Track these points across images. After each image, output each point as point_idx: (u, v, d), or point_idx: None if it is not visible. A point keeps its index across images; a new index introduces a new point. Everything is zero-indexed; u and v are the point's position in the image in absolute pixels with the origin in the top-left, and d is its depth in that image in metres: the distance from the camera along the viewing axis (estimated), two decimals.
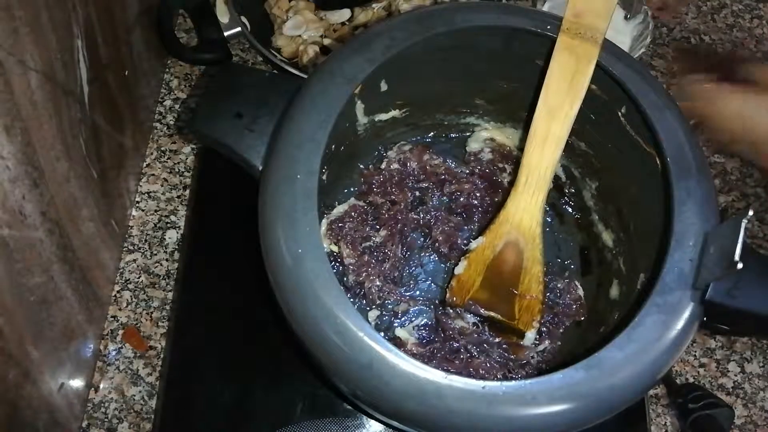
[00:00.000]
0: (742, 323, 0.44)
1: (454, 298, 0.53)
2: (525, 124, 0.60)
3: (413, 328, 0.55)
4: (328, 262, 0.41)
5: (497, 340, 0.53)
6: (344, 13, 0.73)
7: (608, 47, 0.50)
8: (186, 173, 0.66)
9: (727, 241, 0.40)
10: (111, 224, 0.59)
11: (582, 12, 0.48)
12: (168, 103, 0.70)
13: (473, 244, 0.54)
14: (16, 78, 0.40)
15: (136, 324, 0.60)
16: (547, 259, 0.58)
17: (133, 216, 0.64)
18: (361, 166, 0.60)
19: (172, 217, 0.64)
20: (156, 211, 0.64)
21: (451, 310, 0.54)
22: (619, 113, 0.50)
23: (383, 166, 0.60)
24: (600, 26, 0.48)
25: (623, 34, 0.69)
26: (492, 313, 0.52)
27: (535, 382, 0.39)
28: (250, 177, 0.47)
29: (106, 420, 0.56)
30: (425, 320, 0.55)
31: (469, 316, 0.53)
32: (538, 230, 0.52)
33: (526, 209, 0.52)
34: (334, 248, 0.56)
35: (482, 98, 0.59)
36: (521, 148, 0.62)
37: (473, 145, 0.62)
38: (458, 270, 0.54)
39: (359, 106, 0.53)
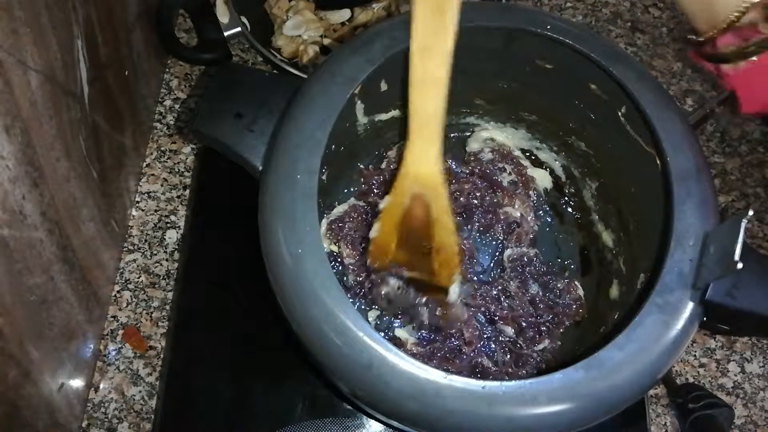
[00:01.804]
0: (742, 323, 0.44)
1: (376, 263, 0.51)
2: (525, 124, 0.60)
3: (413, 328, 0.55)
4: (328, 262, 0.41)
5: (425, 299, 0.52)
6: (344, 13, 0.73)
7: (608, 47, 0.50)
8: (186, 173, 0.66)
9: (727, 241, 0.40)
10: (111, 224, 0.59)
11: None
12: (168, 103, 0.70)
13: (381, 204, 0.51)
14: (16, 78, 0.40)
15: (136, 324, 0.60)
16: (547, 258, 0.58)
17: (133, 216, 0.64)
18: (361, 166, 0.60)
19: (172, 217, 0.64)
20: (156, 211, 0.64)
21: (375, 276, 0.52)
22: (619, 113, 0.50)
23: (383, 166, 0.60)
24: None
25: None
26: (413, 274, 0.51)
27: (535, 382, 0.39)
28: (250, 177, 0.47)
29: (106, 420, 0.56)
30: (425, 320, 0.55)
31: (393, 279, 0.52)
32: (440, 179, 0.49)
33: (422, 159, 0.49)
34: (334, 248, 0.56)
35: (482, 98, 0.59)
36: (521, 148, 0.62)
37: (473, 145, 0.62)
38: (372, 233, 0.51)
39: (359, 106, 0.53)
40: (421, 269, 0.51)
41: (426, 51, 0.45)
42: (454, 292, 0.51)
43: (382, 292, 0.52)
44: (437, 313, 0.52)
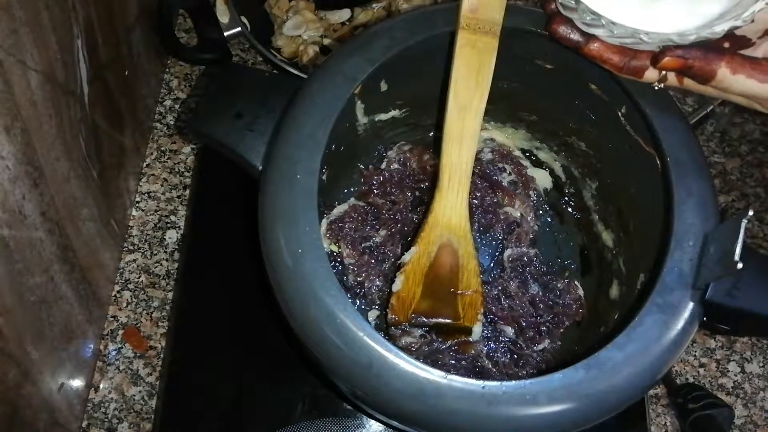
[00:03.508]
0: (742, 323, 0.43)
1: (396, 317, 0.51)
2: (525, 124, 0.60)
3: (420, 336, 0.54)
4: (328, 262, 0.41)
5: (449, 343, 0.52)
6: (344, 13, 0.73)
7: None
8: (186, 173, 0.66)
9: (727, 241, 0.39)
10: (111, 224, 0.59)
11: (477, 7, 0.48)
12: (168, 103, 0.70)
13: (407, 256, 0.52)
14: (16, 78, 0.40)
15: (136, 324, 0.60)
16: (547, 258, 0.58)
17: (133, 216, 0.64)
18: (361, 166, 0.60)
19: (172, 217, 0.64)
20: (156, 211, 0.64)
21: (395, 330, 0.52)
22: (619, 113, 0.50)
23: (383, 166, 0.60)
24: (497, 19, 0.49)
25: None
26: (437, 320, 0.51)
27: (535, 382, 0.39)
28: (250, 177, 0.47)
29: (106, 420, 0.56)
30: None
31: (414, 330, 0.52)
32: (467, 226, 0.51)
33: (453, 208, 0.51)
34: (334, 248, 0.56)
35: None
36: (521, 148, 0.62)
37: None
38: (396, 287, 0.51)
39: (359, 106, 0.53)
40: (445, 314, 0.51)
41: (464, 109, 0.49)
42: (477, 331, 0.52)
43: (403, 344, 0.51)
44: (458, 351, 0.52)
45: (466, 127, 0.49)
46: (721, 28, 0.40)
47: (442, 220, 0.51)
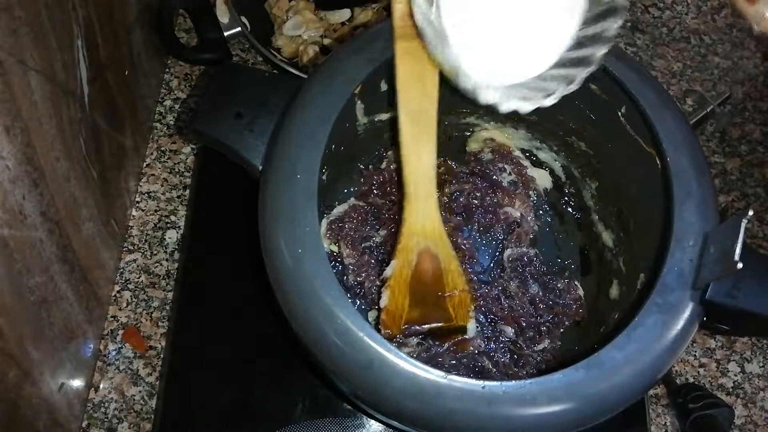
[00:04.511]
0: (742, 323, 0.44)
1: (389, 331, 0.51)
2: (525, 124, 0.60)
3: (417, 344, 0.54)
4: (328, 262, 0.41)
5: (446, 345, 0.52)
6: (344, 13, 0.73)
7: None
8: (186, 173, 0.66)
9: (727, 241, 0.40)
10: (111, 224, 0.59)
11: (407, 14, 0.47)
12: (168, 103, 0.70)
13: (388, 271, 0.51)
14: (16, 78, 0.40)
15: (136, 324, 0.60)
16: (547, 258, 0.58)
17: (133, 216, 0.64)
18: (361, 166, 0.60)
19: (172, 217, 0.64)
20: (156, 211, 0.64)
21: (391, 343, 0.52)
22: (619, 113, 0.50)
23: (383, 166, 0.60)
24: None
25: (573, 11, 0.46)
26: (431, 325, 0.51)
27: (535, 382, 0.39)
28: (250, 177, 0.47)
29: (106, 420, 0.56)
30: None
31: (410, 339, 0.52)
32: (441, 228, 0.51)
33: (425, 215, 0.51)
34: (334, 248, 0.56)
35: None
36: (521, 148, 0.62)
37: (473, 145, 0.62)
38: (383, 302, 0.51)
39: (359, 106, 0.53)
40: (437, 318, 0.51)
41: (416, 117, 0.48)
42: (472, 328, 0.51)
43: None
44: (456, 350, 0.52)
45: (422, 132, 0.48)
46: (525, 106, 0.42)
47: (416, 228, 0.51)
